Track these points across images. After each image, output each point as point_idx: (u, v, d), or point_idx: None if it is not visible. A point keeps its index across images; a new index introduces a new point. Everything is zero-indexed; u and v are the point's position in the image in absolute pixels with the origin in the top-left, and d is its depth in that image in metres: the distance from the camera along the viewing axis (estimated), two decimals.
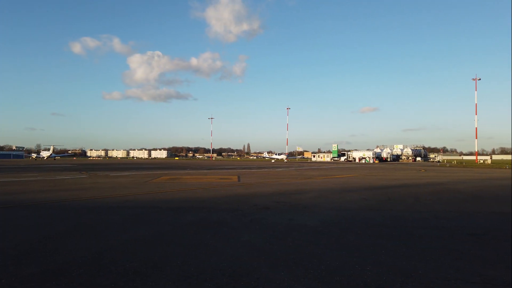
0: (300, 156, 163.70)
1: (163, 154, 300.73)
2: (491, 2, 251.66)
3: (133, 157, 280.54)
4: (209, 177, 25.80)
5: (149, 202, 11.86)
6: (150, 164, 65.91)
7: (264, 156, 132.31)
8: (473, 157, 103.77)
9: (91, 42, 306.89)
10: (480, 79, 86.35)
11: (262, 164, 67.35)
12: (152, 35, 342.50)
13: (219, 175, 27.83)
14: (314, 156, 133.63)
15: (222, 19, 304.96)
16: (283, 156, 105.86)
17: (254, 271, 5.00)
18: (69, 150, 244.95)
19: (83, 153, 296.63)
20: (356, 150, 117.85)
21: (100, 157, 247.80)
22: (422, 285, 4.49)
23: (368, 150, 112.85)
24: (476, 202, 12.52)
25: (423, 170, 40.21)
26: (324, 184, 19.76)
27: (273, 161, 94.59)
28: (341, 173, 32.46)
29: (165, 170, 38.66)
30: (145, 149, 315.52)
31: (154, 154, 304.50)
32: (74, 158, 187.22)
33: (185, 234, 7.26)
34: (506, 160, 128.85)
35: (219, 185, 18.32)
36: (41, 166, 52.57)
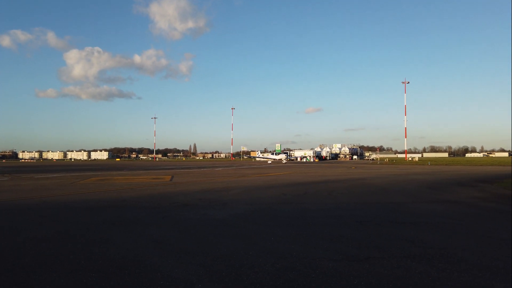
0: (247, 156, 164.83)
1: (104, 156, 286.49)
2: (422, 10, 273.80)
3: (71, 159, 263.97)
4: (142, 177, 25.46)
5: (66, 203, 11.62)
6: (85, 166, 62.78)
7: (258, 156, 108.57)
8: (408, 155, 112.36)
9: (22, 35, 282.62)
10: (408, 82, 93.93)
11: (204, 164, 67.17)
12: (91, 30, 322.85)
13: (154, 175, 27.54)
14: (258, 156, 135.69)
15: (166, 15, 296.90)
16: (282, 156, 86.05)
17: (145, 261, 5.33)
18: None
19: (14, 155, 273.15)
20: (300, 149, 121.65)
21: (33, 159, 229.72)
22: (288, 263, 5.14)
23: (311, 149, 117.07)
24: (382, 194, 13.89)
25: (354, 167, 42.88)
26: (253, 181, 20.49)
27: (269, 162, 79.79)
28: (276, 171, 33.64)
29: (99, 171, 37.23)
30: (85, 151, 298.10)
31: (94, 155, 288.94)
32: (4, 160, 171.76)
33: (91, 231, 7.38)
34: (434, 157, 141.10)
35: (148, 185, 18.26)
36: None
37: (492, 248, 5.98)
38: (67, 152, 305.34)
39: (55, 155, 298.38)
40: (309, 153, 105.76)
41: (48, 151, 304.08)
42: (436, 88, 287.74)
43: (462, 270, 4.85)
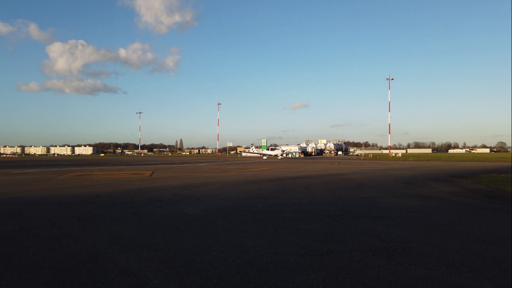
0: (233, 152, 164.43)
1: (88, 151, 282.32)
2: (407, 8, 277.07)
3: (54, 154, 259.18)
4: (122, 172, 25.13)
5: (37, 198, 11.37)
6: (68, 161, 61.68)
7: (252, 151, 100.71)
8: (392, 151, 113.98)
9: (3, 27, 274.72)
10: (392, 79, 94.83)
11: (188, 160, 66.81)
12: (75, 22, 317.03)
13: (134, 171, 27.22)
14: (244, 151, 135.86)
15: (152, 8, 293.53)
16: (278, 152, 78.90)
17: (105, 257, 5.24)
18: None
19: None
20: (287, 145, 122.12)
21: (15, 155, 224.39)
22: (250, 258, 5.12)
23: (297, 145, 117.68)
24: (357, 189, 14.02)
25: (337, 163, 43.28)
26: (233, 177, 20.45)
27: (265, 157, 74.88)
28: (259, 167, 33.68)
29: (80, 166, 36.61)
30: (68, 146, 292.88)
31: (79, 150, 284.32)
32: None
33: (55, 227, 7.21)
34: (417, 153, 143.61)
35: (126, 180, 18.03)
36: None
37: (452, 242, 6.09)
38: (51, 147, 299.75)
39: (38, 150, 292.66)
40: (294, 149, 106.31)
41: (30, 146, 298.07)
42: (420, 85, 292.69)
43: (419, 263, 4.91)
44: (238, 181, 17.67)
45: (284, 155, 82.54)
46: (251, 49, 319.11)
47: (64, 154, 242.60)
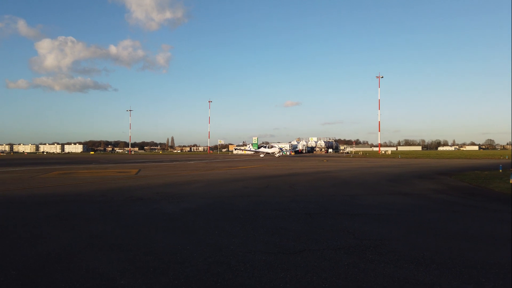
0: (225, 150, 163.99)
1: (78, 149, 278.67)
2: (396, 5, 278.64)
3: (43, 152, 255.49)
4: (109, 171, 24.89)
5: (16, 197, 11.18)
6: (56, 159, 60.87)
7: (249, 149, 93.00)
8: (382, 148, 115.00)
9: None
10: (382, 77, 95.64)
11: (178, 158, 66.41)
12: (64, 18, 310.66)
13: (121, 169, 26.97)
14: (235, 149, 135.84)
15: (143, 5, 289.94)
16: (275, 149, 75.27)
17: (73, 257, 5.15)
18: None
19: None
20: (279, 142, 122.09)
21: (3, 153, 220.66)
22: (222, 257, 5.08)
23: (288, 142, 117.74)
24: (342, 187, 14.07)
25: (326, 161, 43.42)
26: (220, 175, 20.39)
27: (261, 155, 72.25)
28: (248, 165, 33.65)
29: (67, 165, 36.17)
30: (58, 144, 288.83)
31: (68, 148, 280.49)
32: None
33: (29, 227, 7.08)
34: (407, 150, 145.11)
35: (111, 179, 17.85)
36: None
37: (426, 239, 6.13)
38: (40, 145, 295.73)
39: (27, 148, 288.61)
40: (285, 147, 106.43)
41: (19, 144, 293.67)
42: (411, 83, 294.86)
43: (389, 261, 4.92)
44: (224, 179, 17.61)
45: (282, 153, 77.52)
46: (243, 47, 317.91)
47: (53, 152, 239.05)
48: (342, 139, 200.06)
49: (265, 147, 79.64)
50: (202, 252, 5.38)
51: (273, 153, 74.45)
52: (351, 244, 5.76)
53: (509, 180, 14.63)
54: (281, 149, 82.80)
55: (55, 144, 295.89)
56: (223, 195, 11.68)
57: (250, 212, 8.66)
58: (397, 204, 9.92)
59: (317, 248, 5.54)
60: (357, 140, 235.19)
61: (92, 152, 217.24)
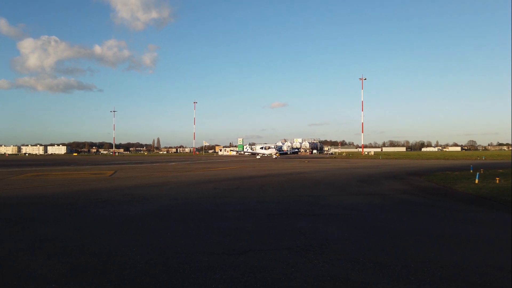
0: (212, 151, 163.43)
1: (62, 150, 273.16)
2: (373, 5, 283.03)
3: (25, 153, 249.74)
4: (83, 172, 24.54)
5: None
6: (35, 161, 59.64)
7: (247, 150, 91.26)
8: (366, 149, 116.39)
9: None
10: (365, 79, 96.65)
11: (160, 159, 65.93)
12: (47, 18, 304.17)
13: (97, 170, 26.64)
14: (220, 150, 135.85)
15: (128, 4, 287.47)
16: (272, 151, 72.55)
17: (14, 259, 5.07)
18: None
19: None
20: (265, 143, 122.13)
21: None
22: (165, 259, 5.07)
23: (274, 144, 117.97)
24: (311, 187, 14.20)
25: (307, 161, 43.74)
26: (195, 176, 20.35)
27: (258, 157, 70.17)
28: (226, 166, 33.63)
29: (44, 166, 35.51)
30: (41, 145, 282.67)
31: (52, 150, 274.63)
32: None
33: None
34: (392, 151, 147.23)
35: (84, 180, 17.61)
36: None
37: (372, 238, 6.24)
38: (22, 147, 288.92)
39: (9, 150, 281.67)
40: (271, 149, 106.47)
41: (1, 146, 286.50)
42: (397, 85, 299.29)
43: (329, 260, 4.99)
44: (197, 180, 17.57)
45: (278, 154, 74.72)
46: (230, 48, 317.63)
47: (36, 154, 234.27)
48: (328, 140, 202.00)
49: (262, 148, 76.60)
50: (145, 254, 5.36)
51: (270, 154, 71.98)
52: (298, 244, 5.83)
53: (475, 180, 15.01)
54: (277, 150, 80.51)
55: (38, 145, 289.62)
56: (190, 196, 11.66)
57: (211, 213, 8.67)
58: (358, 204, 10.07)
59: (263, 249, 5.59)
60: (343, 141, 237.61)
61: (76, 154, 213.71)
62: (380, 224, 7.43)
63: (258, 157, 70.51)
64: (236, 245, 5.84)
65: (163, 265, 4.84)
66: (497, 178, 15.13)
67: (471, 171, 20.98)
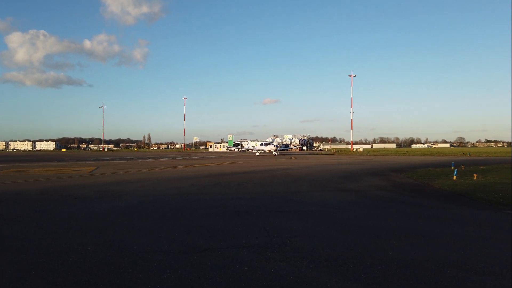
0: (203, 147, 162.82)
1: (50, 146, 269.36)
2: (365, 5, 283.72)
3: (13, 149, 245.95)
4: (64, 168, 24.16)
5: None
6: (20, 157, 58.66)
7: (247, 146, 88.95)
8: (355, 145, 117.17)
9: None
10: (355, 76, 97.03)
11: (148, 155, 65.34)
12: (36, 11, 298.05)
13: (78, 167, 26.23)
14: (210, 147, 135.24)
15: None
16: (272, 147, 70.41)
17: None
18: None
19: None
20: (256, 140, 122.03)
21: None
22: (118, 258, 4.93)
23: (265, 140, 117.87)
24: (291, 184, 14.15)
25: (294, 158, 43.79)
26: (176, 172, 20.17)
27: (257, 153, 68.43)
28: (212, 162, 33.46)
29: (27, 162, 34.90)
30: (29, 141, 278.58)
31: (40, 146, 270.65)
32: None
33: None
34: (381, 148, 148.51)
35: (62, 177, 17.31)
36: None
37: (338, 236, 6.19)
38: (10, 142, 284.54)
39: None
40: (260, 145, 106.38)
41: None
42: (387, 82, 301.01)
43: (285, 259, 4.90)
44: (178, 176, 17.41)
45: (278, 151, 71.93)
46: (222, 43, 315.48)
47: (24, 150, 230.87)
48: (320, 136, 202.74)
49: (261, 145, 74.23)
50: (100, 252, 5.22)
51: (269, 151, 69.81)
52: (259, 242, 5.73)
53: (453, 177, 15.11)
54: (276, 146, 77.44)
55: (26, 141, 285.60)
56: (165, 193, 11.50)
57: (180, 210, 8.55)
58: (334, 200, 10.03)
59: (222, 247, 5.48)
60: (334, 137, 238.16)
61: (64, 150, 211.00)
62: (351, 221, 7.39)
63: (257, 153, 68.69)
64: (196, 243, 5.72)
65: (112, 264, 4.71)
66: (475, 175, 15.25)
67: (452, 167, 21.16)
